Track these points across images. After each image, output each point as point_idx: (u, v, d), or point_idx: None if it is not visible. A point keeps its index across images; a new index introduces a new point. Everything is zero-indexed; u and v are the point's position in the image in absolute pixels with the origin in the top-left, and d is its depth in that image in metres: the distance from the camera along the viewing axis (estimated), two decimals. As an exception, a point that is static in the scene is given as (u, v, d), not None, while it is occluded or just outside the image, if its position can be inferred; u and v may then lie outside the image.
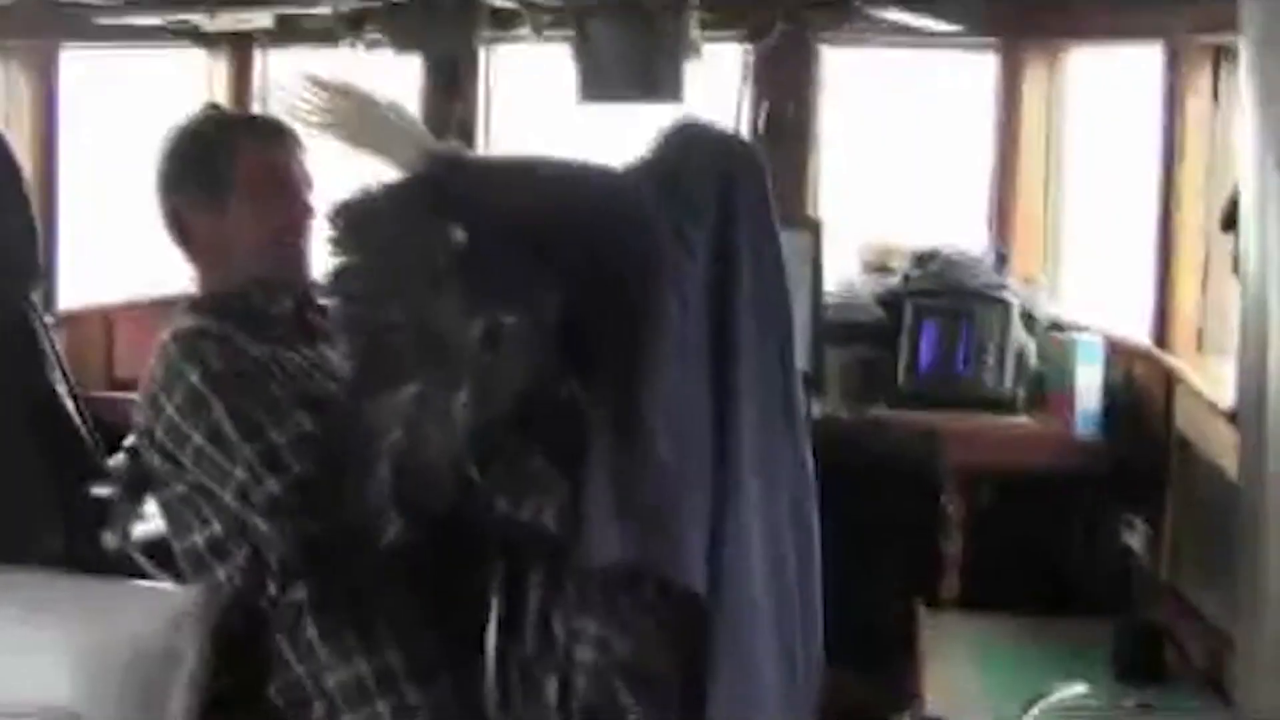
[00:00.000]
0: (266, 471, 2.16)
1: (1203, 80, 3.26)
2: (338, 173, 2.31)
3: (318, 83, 2.14)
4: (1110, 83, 3.87)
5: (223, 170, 2.33)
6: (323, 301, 2.30)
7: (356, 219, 2.01)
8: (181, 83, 4.33)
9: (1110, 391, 3.39)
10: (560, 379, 2.01)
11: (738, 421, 2.01)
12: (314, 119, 2.14)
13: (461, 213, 1.99)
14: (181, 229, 2.37)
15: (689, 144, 2.08)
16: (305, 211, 2.37)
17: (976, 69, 4.04)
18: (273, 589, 2.26)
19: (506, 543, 2.08)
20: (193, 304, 2.37)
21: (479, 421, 1.95)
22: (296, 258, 2.38)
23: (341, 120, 2.12)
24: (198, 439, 2.21)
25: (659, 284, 1.98)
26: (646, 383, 1.97)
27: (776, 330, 2.06)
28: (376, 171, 2.15)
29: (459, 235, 1.98)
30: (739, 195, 2.03)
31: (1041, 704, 2.55)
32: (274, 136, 2.39)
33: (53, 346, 2.63)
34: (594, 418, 1.98)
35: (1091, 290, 3.89)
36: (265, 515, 2.17)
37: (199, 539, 2.29)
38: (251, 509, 2.18)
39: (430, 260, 1.98)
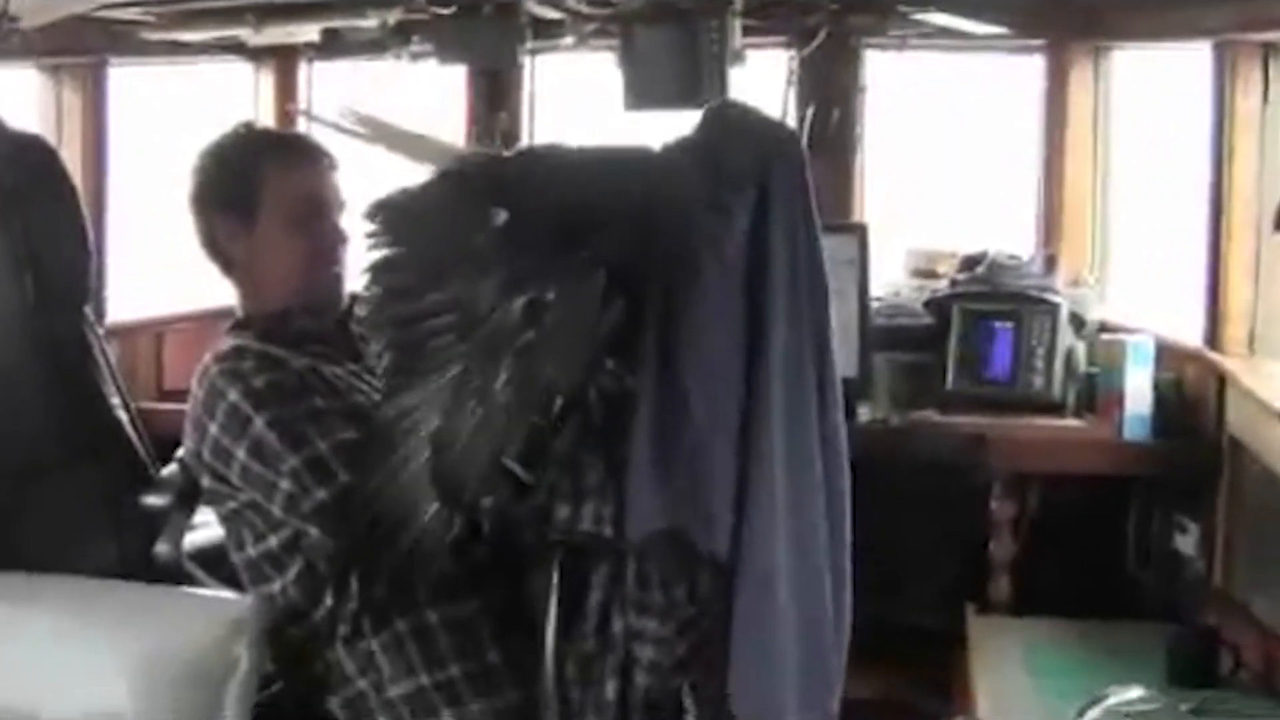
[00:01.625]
0: (314, 482, 2.16)
1: (1253, 79, 3.24)
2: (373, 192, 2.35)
3: (360, 117, 2.16)
4: (1158, 82, 3.84)
5: (251, 193, 2.33)
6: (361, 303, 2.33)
7: (393, 212, 2.01)
8: (228, 95, 4.37)
9: (1161, 394, 3.36)
10: (603, 355, 2.00)
11: (768, 392, 1.99)
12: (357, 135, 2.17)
13: (499, 196, 1.99)
14: (216, 249, 2.38)
15: (729, 124, 2.08)
16: (336, 235, 2.36)
17: (1023, 71, 4.03)
18: (328, 600, 2.26)
19: (567, 548, 2.07)
20: (234, 324, 2.39)
21: (522, 404, 1.94)
22: (330, 281, 2.38)
23: (384, 137, 2.15)
24: (241, 455, 2.22)
25: (698, 253, 1.98)
26: (685, 350, 1.97)
27: (813, 309, 2.04)
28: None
29: (498, 216, 1.98)
30: (777, 175, 2.03)
31: (1096, 708, 2.53)
32: (305, 157, 2.39)
33: (106, 359, 2.66)
34: (634, 387, 1.98)
35: (1141, 292, 3.87)
36: (315, 524, 2.17)
37: (253, 552, 2.31)
38: (301, 519, 2.19)
39: (468, 242, 1.97)
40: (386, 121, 2.21)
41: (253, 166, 2.36)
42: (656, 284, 1.98)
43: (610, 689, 2.03)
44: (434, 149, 2.18)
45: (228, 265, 2.39)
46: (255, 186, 2.34)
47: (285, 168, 2.36)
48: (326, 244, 2.35)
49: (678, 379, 1.96)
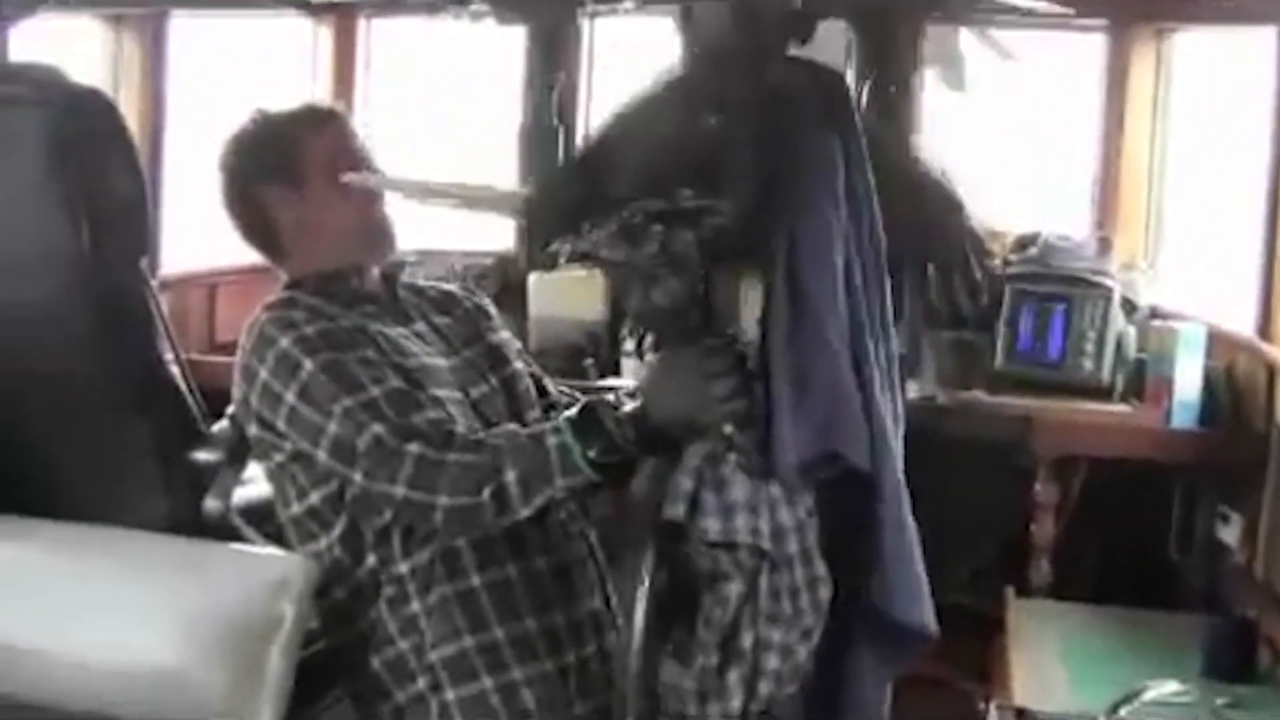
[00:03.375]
0: (368, 418, 2.17)
1: (1316, 66, 3.21)
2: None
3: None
4: (1220, 66, 3.80)
5: (294, 157, 2.37)
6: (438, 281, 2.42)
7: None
8: (286, 49, 4.38)
9: (1211, 382, 3.35)
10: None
11: (859, 313, 2.06)
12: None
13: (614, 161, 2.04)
14: (265, 227, 2.40)
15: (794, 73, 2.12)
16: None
17: (1083, 50, 4.00)
18: (371, 560, 2.29)
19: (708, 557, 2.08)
20: (287, 284, 2.41)
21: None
22: (385, 226, 2.41)
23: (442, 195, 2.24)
24: (290, 398, 2.23)
25: (817, 175, 2.03)
26: (813, 273, 2.01)
27: (873, 238, 2.10)
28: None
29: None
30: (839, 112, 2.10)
31: (1132, 704, 2.53)
32: (330, 117, 2.46)
33: (160, 313, 2.68)
34: (768, 310, 2.02)
35: (1195, 279, 3.84)
36: (363, 468, 2.18)
37: (297, 509, 2.33)
38: (348, 465, 2.19)
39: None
40: (442, 182, 2.30)
41: (287, 134, 2.41)
42: (783, 208, 2.02)
43: (736, 702, 2.04)
44: (492, 198, 2.24)
45: (276, 242, 2.41)
46: (296, 150, 2.38)
47: (318, 129, 2.41)
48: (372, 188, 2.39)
49: (809, 301, 2.00)
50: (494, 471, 2.11)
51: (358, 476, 2.18)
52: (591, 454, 2.09)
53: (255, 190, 2.39)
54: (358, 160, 2.39)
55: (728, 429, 2.06)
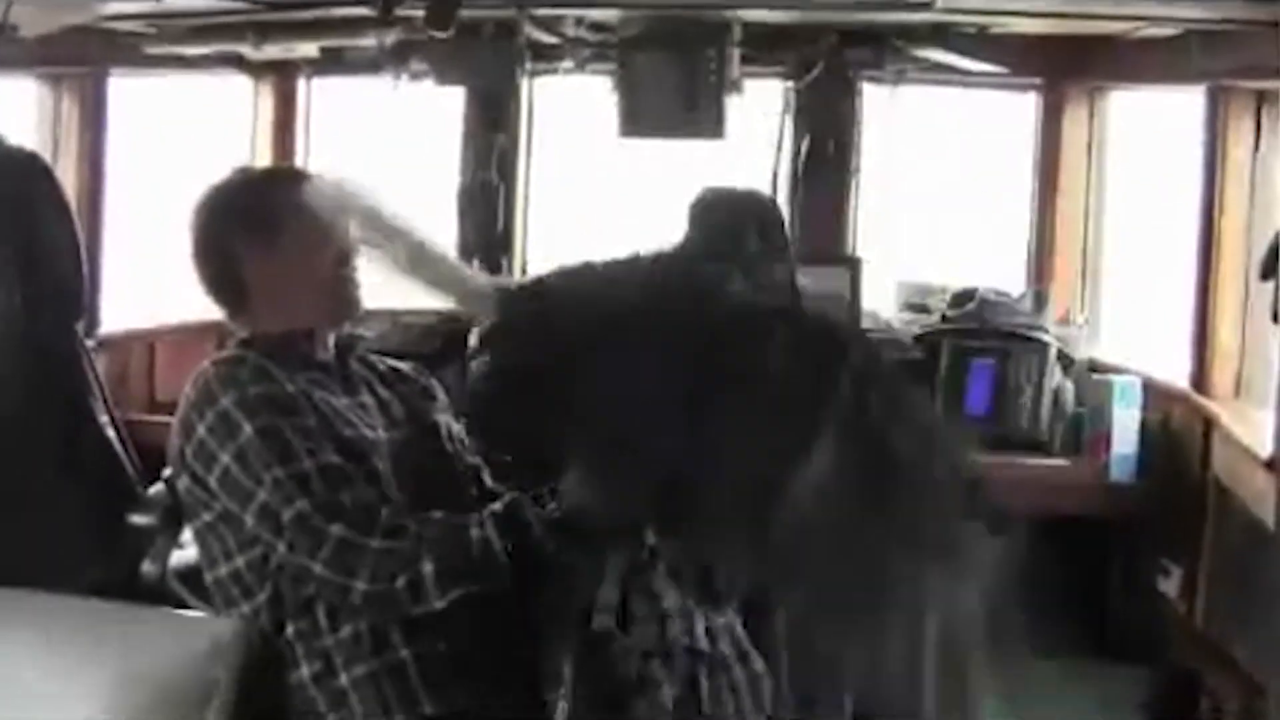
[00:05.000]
0: (296, 493, 2.16)
1: (1245, 125, 3.27)
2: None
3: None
4: (1151, 125, 3.87)
5: (274, 213, 2.35)
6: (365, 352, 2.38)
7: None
8: (226, 108, 4.38)
9: (1147, 435, 3.38)
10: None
11: None
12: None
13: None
14: (234, 279, 2.38)
15: (716, 211, 2.12)
16: (351, 243, 2.40)
17: (1017, 108, 4.05)
18: (290, 630, 2.26)
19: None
20: (238, 342, 2.40)
21: None
22: (353, 290, 2.40)
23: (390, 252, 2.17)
24: (225, 458, 2.21)
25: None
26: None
27: None
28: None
29: None
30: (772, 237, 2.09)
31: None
32: (307, 182, 2.44)
33: (95, 375, 2.66)
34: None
35: (1130, 333, 3.88)
36: (288, 539, 2.17)
37: (223, 571, 2.30)
38: (274, 533, 2.18)
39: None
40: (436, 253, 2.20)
41: (266, 191, 2.39)
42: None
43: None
44: (445, 271, 2.19)
45: (240, 296, 2.39)
46: (275, 208, 2.36)
47: (296, 188, 2.39)
48: (347, 248, 2.38)
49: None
50: (412, 561, 2.11)
51: (281, 547, 2.18)
52: (521, 545, 2.09)
53: (228, 243, 2.37)
54: (332, 223, 2.38)
55: (650, 539, 2.05)
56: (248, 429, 2.20)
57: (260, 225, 2.35)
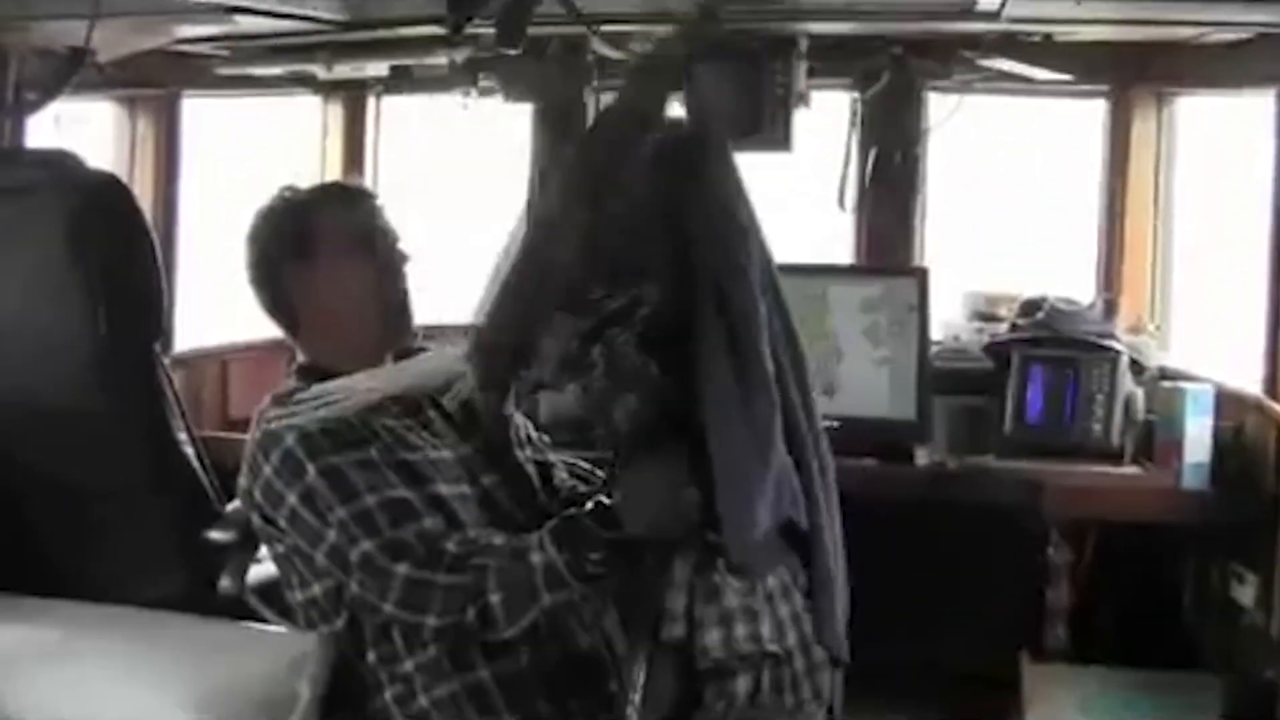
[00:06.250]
0: (361, 533, 2.19)
1: (1316, 129, 3.23)
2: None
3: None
4: (1221, 130, 3.84)
5: (314, 234, 2.38)
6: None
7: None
8: (297, 126, 4.43)
9: (1220, 443, 3.35)
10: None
11: (785, 376, 2.12)
12: None
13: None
14: (285, 302, 2.41)
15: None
16: (398, 254, 2.42)
17: (1085, 116, 4.03)
18: (372, 657, 2.29)
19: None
20: (298, 369, 2.43)
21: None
22: (404, 306, 2.42)
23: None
24: (292, 499, 2.25)
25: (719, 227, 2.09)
26: (747, 329, 2.06)
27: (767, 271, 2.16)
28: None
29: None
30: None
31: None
32: (352, 195, 2.49)
33: (175, 394, 2.70)
34: (711, 379, 2.05)
35: (1202, 340, 3.85)
36: (358, 578, 2.20)
37: (300, 596, 2.33)
38: (344, 571, 2.21)
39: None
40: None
41: (308, 212, 2.42)
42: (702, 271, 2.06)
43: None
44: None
45: (294, 318, 2.43)
46: (315, 228, 2.39)
47: (342, 207, 2.43)
48: (391, 262, 2.40)
49: (753, 364, 2.04)
50: (480, 593, 2.14)
51: (354, 586, 2.21)
52: (584, 563, 2.12)
53: (275, 266, 2.41)
54: (381, 230, 2.41)
55: (710, 536, 2.08)
56: (311, 471, 2.23)
57: (298, 247, 2.38)
